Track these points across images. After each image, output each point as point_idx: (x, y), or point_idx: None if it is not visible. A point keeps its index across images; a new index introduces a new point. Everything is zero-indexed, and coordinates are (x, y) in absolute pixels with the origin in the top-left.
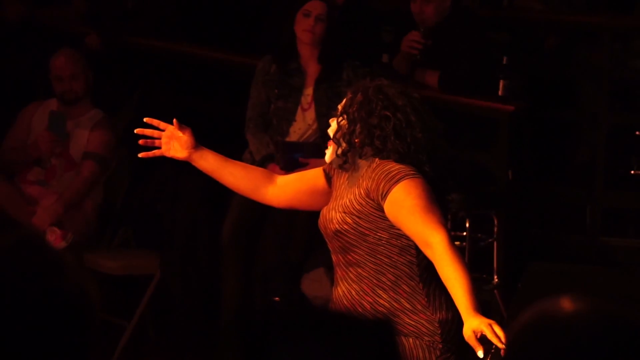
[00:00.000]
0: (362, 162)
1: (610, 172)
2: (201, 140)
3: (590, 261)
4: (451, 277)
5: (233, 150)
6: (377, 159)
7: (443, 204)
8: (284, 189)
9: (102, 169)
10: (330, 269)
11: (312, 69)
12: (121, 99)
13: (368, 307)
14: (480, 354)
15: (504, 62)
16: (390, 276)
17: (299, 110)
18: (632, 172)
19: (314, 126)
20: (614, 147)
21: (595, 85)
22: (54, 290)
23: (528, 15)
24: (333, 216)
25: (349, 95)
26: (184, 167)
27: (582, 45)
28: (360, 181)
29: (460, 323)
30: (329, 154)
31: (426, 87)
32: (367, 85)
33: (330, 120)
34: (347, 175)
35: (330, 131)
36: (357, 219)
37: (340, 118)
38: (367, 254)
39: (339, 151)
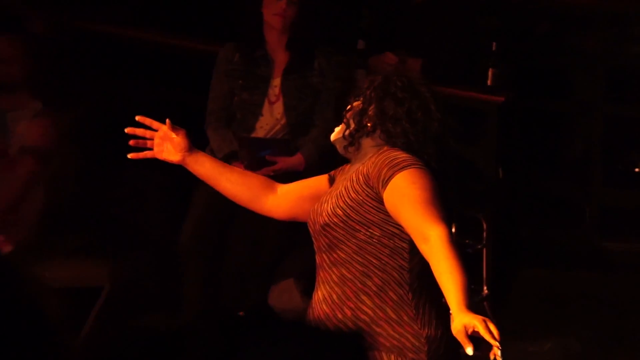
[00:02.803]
0: (368, 149)
1: (609, 169)
2: None
3: (589, 267)
4: (446, 272)
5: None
6: (385, 147)
7: (447, 202)
8: (286, 197)
9: (42, 165)
10: (300, 279)
11: (280, 58)
12: (69, 90)
13: (349, 313)
14: (470, 351)
15: (493, 49)
16: (377, 280)
17: (266, 103)
18: (637, 169)
19: (283, 121)
20: (611, 141)
21: (590, 73)
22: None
23: None
24: (324, 208)
25: (369, 78)
26: (142, 165)
27: (574, 30)
28: (362, 168)
29: (449, 343)
30: (336, 132)
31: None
32: (390, 70)
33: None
34: (344, 171)
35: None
36: (349, 211)
37: (355, 98)
38: (354, 253)
39: (347, 132)
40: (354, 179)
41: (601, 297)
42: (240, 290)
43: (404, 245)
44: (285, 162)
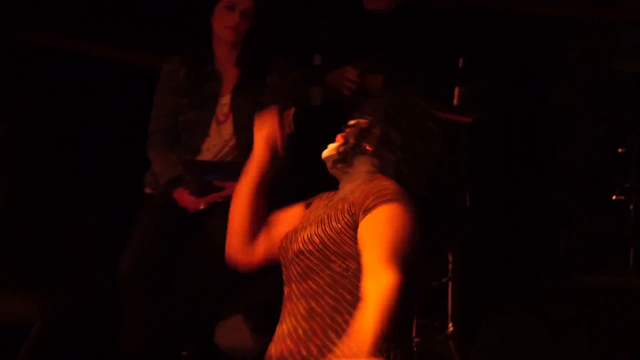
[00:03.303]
0: (360, 172)
1: (591, 194)
2: (91, 158)
3: (565, 301)
4: (356, 322)
5: (132, 171)
6: (378, 175)
7: (435, 239)
8: (261, 239)
9: None
10: (250, 315)
11: (229, 74)
12: None
13: (315, 351)
14: None
15: (460, 65)
16: (347, 317)
17: (214, 123)
18: (614, 197)
19: (232, 142)
20: (594, 164)
21: (572, 89)
22: None
23: (491, 5)
24: (300, 235)
25: (378, 97)
26: (75, 190)
27: (555, 41)
28: (350, 196)
29: None
30: (330, 149)
31: (366, 92)
32: (402, 94)
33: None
34: (329, 198)
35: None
36: (326, 240)
37: (360, 115)
38: (327, 285)
39: (342, 148)
40: (339, 207)
41: (578, 335)
42: (184, 328)
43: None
44: (234, 187)
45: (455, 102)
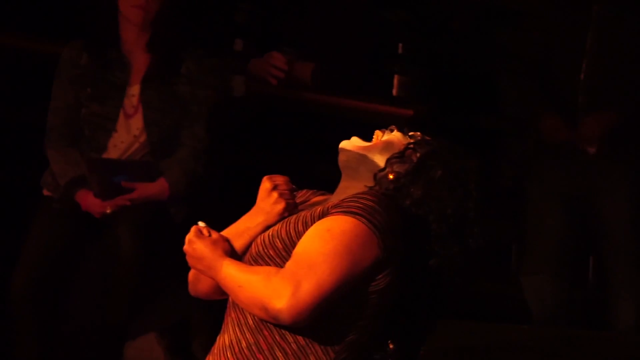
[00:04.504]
0: (358, 182)
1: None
2: None
3: (514, 317)
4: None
5: (28, 171)
6: (372, 191)
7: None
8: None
9: None
10: (164, 333)
11: (139, 60)
12: None
13: None
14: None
15: (400, 51)
16: (299, 338)
17: (121, 117)
18: None
19: (142, 138)
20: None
21: (520, 82)
22: None
23: None
24: (264, 236)
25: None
26: None
27: (502, 27)
28: (330, 200)
29: None
30: (353, 140)
31: (295, 84)
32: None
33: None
34: (319, 198)
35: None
36: (289, 245)
37: (406, 137)
38: None
39: (358, 154)
40: (312, 209)
41: (526, 352)
42: (85, 349)
43: (346, 307)
44: (145, 189)
45: (394, 92)
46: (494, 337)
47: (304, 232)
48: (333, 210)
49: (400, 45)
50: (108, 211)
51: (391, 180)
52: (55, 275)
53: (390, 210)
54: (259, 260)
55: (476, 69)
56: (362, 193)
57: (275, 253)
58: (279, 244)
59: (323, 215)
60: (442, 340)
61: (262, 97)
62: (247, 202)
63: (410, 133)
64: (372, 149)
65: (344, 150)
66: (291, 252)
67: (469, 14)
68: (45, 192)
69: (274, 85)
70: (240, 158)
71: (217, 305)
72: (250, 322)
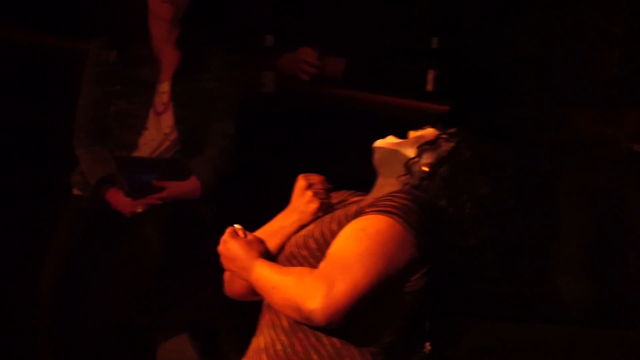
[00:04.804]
0: (391, 180)
1: None
2: (7, 155)
3: (544, 317)
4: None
5: (57, 170)
6: (406, 187)
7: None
8: None
9: None
10: (196, 334)
11: (169, 57)
12: None
13: None
14: None
15: (434, 45)
16: (335, 340)
17: (151, 114)
18: None
19: (173, 136)
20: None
21: (538, 75)
22: None
23: None
24: (297, 236)
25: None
26: None
27: (534, 18)
28: (364, 200)
29: None
30: (387, 138)
31: (326, 80)
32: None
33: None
34: (351, 197)
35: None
36: (323, 245)
37: (443, 134)
38: None
39: (390, 149)
40: (347, 209)
41: (562, 351)
42: (116, 351)
43: (382, 308)
44: (176, 187)
45: (428, 87)
46: (524, 336)
47: (338, 232)
48: (368, 210)
49: (435, 39)
50: (139, 210)
51: (425, 173)
52: (83, 275)
53: (426, 208)
54: (293, 260)
55: (513, 62)
56: (398, 192)
57: (309, 253)
58: (313, 244)
59: (358, 214)
60: (472, 341)
61: (293, 93)
62: (277, 201)
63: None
64: (404, 144)
65: (377, 148)
66: (325, 252)
67: (503, 6)
68: (75, 191)
69: (305, 81)
70: (270, 156)
71: (251, 307)
72: (285, 324)
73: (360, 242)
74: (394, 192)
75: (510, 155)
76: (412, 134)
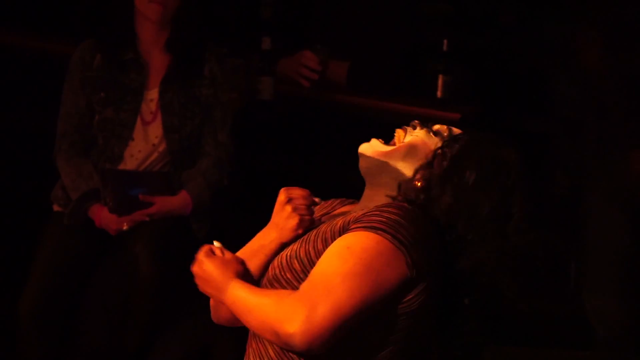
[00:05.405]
0: (381, 193)
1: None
2: None
3: (574, 342)
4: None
5: (36, 184)
6: (396, 202)
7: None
8: None
9: None
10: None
11: (157, 62)
12: None
13: None
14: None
15: (444, 48)
16: None
17: (139, 123)
18: None
19: (161, 147)
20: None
21: (577, 80)
22: None
23: None
24: (281, 257)
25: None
26: None
27: (554, 19)
28: (351, 213)
29: None
30: (373, 143)
31: (329, 85)
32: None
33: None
34: (337, 206)
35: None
36: (307, 265)
37: (441, 142)
38: None
39: (379, 161)
40: (333, 224)
41: None
42: None
43: (376, 331)
44: (165, 203)
45: (438, 94)
46: None
47: (323, 249)
48: (353, 226)
49: (445, 41)
50: (125, 227)
51: (420, 189)
52: (66, 297)
53: (419, 223)
54: (275, 284)
55: (528, 66)
56: (386, 205)
57: (293, 276)
58: (297, 265)
59: (343, 230)
60: None
61: (292, 100)
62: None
63: (435, 127)
64: (394, 155)
65: (363, 156)
66: (307, 272)
67: (518, 6)
68: (56, 208)
69: (305, 87)
70: (268, 167)
71: (241, 331)
72: (271, 352)
73: (344, 262)
74: (382, 205)
75: (518, 163)
76: (400, 134)
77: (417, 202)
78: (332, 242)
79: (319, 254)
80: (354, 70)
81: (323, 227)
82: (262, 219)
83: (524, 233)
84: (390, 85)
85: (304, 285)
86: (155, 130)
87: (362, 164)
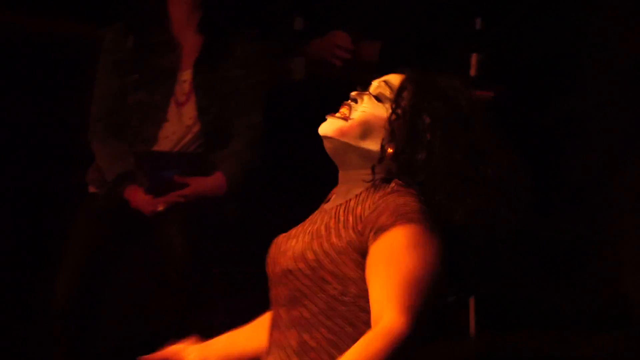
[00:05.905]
0: (365, 173)
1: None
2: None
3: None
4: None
5: (72, 166)
6: (393, 184)
7: (458, 276)
8: None
9: None
10: None
11: (190, 43)
12: None
13: None
14: None
15: (478, 26)
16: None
17: (172, 105)
18: None
19: (195, 128)
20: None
21: (606, 60)
22: None
23: None
24: (291, 246)
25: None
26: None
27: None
28: (355, 206)
29: None
30: (330, 122)
31: (361, 66)
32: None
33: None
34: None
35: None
36: (322, 258)
37: (389, 105)
38: (321, 313)
39: (341, 142)
40: (342, 219)
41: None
42: None
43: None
44: (199, 184)
45: (472, 72)
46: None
47: (340, 245)
48: (390, 222)
49: (478, 20)
50: (160, 209)
51: (393, 160)
52: (100, 280)
53: (421, 200)
54: (289, 276)
55: (563, 45)
56: (399, 195)
57: (306, 266)
58: (311, 256)
59: (370, 229)
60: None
61: (324, 80)
62: (308, 198)
63: (375, 91)
64: (352, 136)
65: (326, 137)
66: (322, 263)
67: None
68: (91, 189)
69: (337, 67)
70: (300, 148)
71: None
72: (294, 344)
73: (411, 259)
74: (395, 196)
75: (465, 90)
76: (345, 112)
77: (392, 170)
78: (346, 236)
79: (334, 247)
80: (386, 50)
81: (332, 222)
82: (295, 200)
83: (499, 163)
84: (422, 65)
85: (392, 291)
86: (189, 112)
87: (327, 145)
